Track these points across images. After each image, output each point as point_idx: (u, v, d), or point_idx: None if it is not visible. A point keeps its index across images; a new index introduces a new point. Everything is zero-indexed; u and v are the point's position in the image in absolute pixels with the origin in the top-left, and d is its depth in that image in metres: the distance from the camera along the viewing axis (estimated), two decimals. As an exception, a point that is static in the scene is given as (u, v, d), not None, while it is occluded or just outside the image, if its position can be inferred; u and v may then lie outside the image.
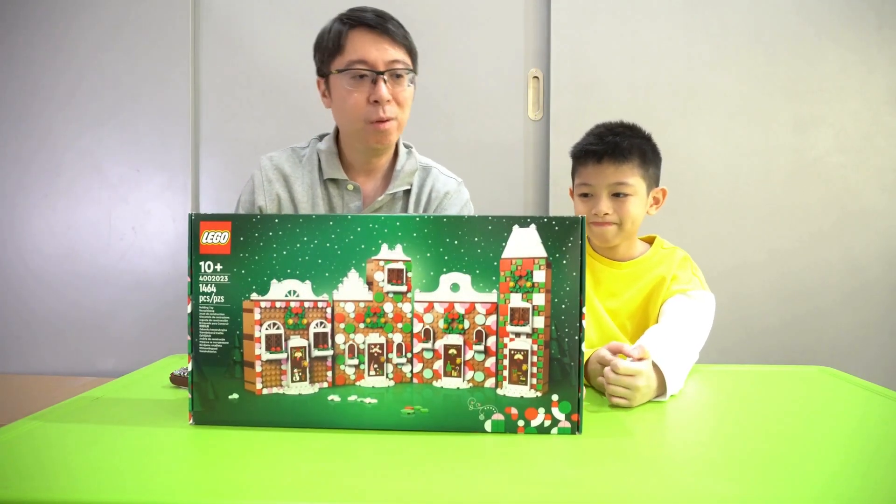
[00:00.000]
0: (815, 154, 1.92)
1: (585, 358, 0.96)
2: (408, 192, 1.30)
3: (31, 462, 0.67)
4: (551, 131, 1.92)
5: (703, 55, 1.91)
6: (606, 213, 1.14)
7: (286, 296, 0.78)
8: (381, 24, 1.16)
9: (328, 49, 1.20)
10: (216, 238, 0.79)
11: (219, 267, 0.78)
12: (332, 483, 0.62)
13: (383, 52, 1.15)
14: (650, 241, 1.25)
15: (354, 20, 1.17)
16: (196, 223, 0.79)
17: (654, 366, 0.91)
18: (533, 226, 0.76)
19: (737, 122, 1.91)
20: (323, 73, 1.23)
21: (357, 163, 1.28)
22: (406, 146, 1.33)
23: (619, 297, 1.19)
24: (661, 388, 0.92)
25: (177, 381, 0.98)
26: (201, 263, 0.78)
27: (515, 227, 0.76)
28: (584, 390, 0.90)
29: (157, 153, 1.98)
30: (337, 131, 1.29)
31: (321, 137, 1.32)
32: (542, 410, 0.76)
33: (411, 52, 1.20)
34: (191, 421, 0.79)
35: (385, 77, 1.16)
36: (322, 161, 1.27)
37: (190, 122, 1.97)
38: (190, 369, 0.79)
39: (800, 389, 1.04)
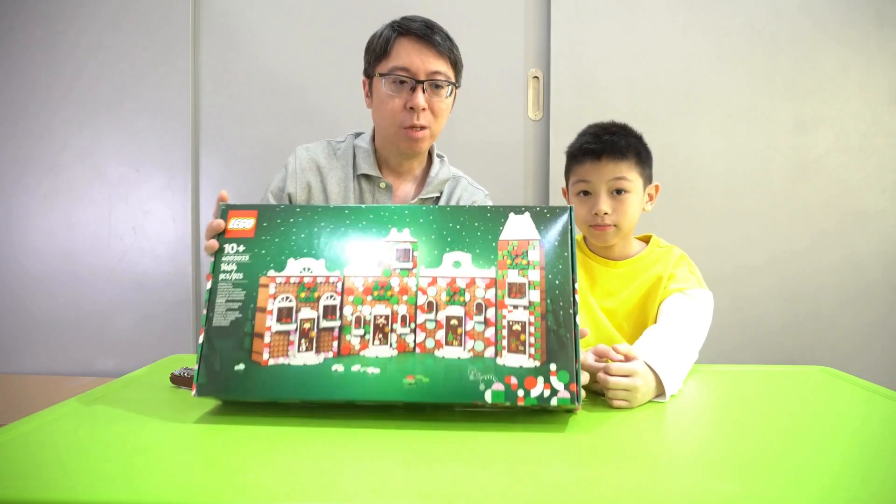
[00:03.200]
0: (815, 154, 1.92)
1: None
2: (437, 199, 1.33)
3: (31, 462, 0.67)
4: (551, 131, 1.92)
5: (703, 55, 1.91)
6: (606, 213, 1.14)
7: (301, 272, 0.83)
8: (427, 35, 1.18)
9: (375, 52, 1.23)
10: (242, 224, 0.87)
11: (241, 248, 0.85)
12: (332, 483, 0.62)
13: (426, 62, 1.18)
14: (646, 239, 1.25)
15: (403, 28, 1.20)
16: (225, 212, 0.87)
17: (651, 368, 0.91)
18: (527, 213, 0.84)
19: (737, 122, 1.91)
20: (368, 74, 1.26)
21: (391, 163, 1.31)
22: (439, 155, 1.36)
23: (615, 296, 1.19)
24: (661, 389, 0.92)
25: (177, 381, 0.98)
26: (226, 245, 0.85)
27: (511, 215, 0.84)
28: (582, 377, 0.91)
29: (157, 153, 1.98)
30: (374, 130, 1.32)
31: (357, 135, 1.35)
32: (540, 380, 0.78)
33: (455, 64, 1.23)
34: (194, 393, 0.80)
35: (424, 86, 1.19)
36: (358, 157, 1.30)
37: (190, 121, 1.97)
38: (201, 342, 0.81)
39: (800, 389, 1.04)
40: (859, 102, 1.90)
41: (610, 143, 1.14)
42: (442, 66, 1.20)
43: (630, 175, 1.14)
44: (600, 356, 0.94)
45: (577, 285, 0.80)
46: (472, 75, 1.94)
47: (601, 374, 0.89)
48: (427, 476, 0.64)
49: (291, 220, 0.86)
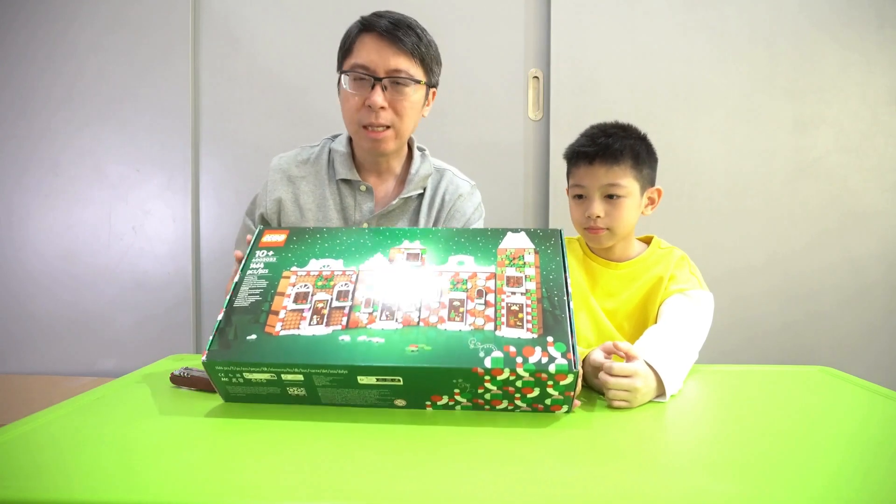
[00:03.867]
0: (815, 154, 1.92)
1: (581, 357, 0.97)
2: (421, 195, 1.29)
3: (31, 462, 0.67)
4: (551, 131, 1.92)
5: (703, 55, 1.91)
6: (599, 217, 1.14)
7: (321, 268, 0.92)
8: (390, 32, 1.14)
9: (342, 49, 1.21)
10: (274, 238, 0.97)
11: (270, 254, 0.95)
12: (332, 483, 0.62)
13: (386, 59, 1.14)
14: (647, 240, 1.25)
15: (368, 25, 1.16)
16: (261, 231, 0.99)
17: (651, 368, 0.91)
18: (523, 232, 0.95)
19: (737, 122, 1.91)
20: (338, 71, 1.23)
21: (368, 164, 1.27)
22: (420, 149, 1.32)
23: (616, 297, 1.19)
24: (661, 389, 0.92)
25: (177, 381, 0.98)
26: (258, 252, 0.95)
27: (509, 233, 0.95)
28: (581, 381, 0.93)
29: (157, 153, 1.98)
30: None
31: (334, 137, 1.32)
32: (538, 349, 0.79)
33: (424, 61, 1.18)
34: (203, 358, 0.81)
35: (385, 84, 1.15)
36: (335, 161, 1.27)
37: (190, 121, 1.97)
38: (220, 318, 0.85)
39: (800, 389, 1.04)
40: (859, 102, 1.90)
41: (603, 147, 1.13)
42: (404, 64, 1.15)
43: (623, 180, 1.13)
44: (608, 353, 0.94)
45: (570, 286, 0.87)
46: (472, 75, 1.95)
47: (602, 374, 0.90)
48: (427, 476, 0.64)
49: (318, 235, 0.97)
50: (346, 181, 1.27)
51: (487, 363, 0.78)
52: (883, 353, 1.92)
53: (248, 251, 0.95)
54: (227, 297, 0.88)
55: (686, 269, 1.18)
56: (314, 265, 0.92)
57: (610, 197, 1.14)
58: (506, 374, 0.78)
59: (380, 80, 1.15)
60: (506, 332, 0.81)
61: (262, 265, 0.93)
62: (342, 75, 1.20)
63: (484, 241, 0.93)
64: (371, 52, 1.15)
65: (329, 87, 1.94)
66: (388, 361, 0.79)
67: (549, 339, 0.80)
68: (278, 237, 0.97)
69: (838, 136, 1.91)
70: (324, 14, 1.95)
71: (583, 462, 0.69)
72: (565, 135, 1.23)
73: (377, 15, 1.18)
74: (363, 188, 1.26)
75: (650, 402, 0.91)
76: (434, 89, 1.26)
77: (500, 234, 0.94)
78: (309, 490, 0.60)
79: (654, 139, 1.21)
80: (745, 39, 1.90)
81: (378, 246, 0.94)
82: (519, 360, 0.78)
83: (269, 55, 1.96)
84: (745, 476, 0.64)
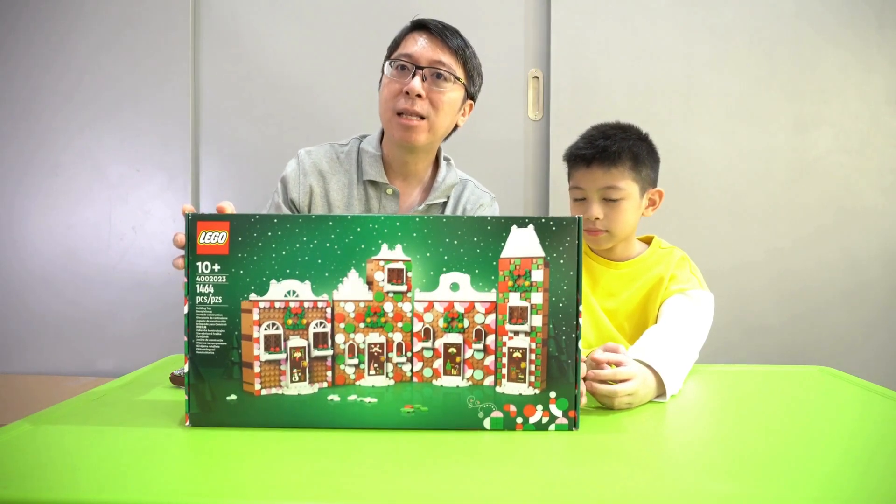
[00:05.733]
0: (815, 154, 1.92)
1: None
2: (444, 205, 1.30)
3: (31, 462, 0.67)
4: (551, 131, 1.92)
5: (703, 55, 1.91)
6: (597, 219, 1.14)
7: (285, 296, 0.77)
8: (440, 31, 1.18)
9: (390, 47, 1.23)
10: (214, 238, 0.77)
11: (217, 267, 0.77)
12: (332, 483, 0.62)
13: (429, 51, 1.17)
14: (648, 240, 1.25)
15: (419, 23, 1.20)
16: (193, 223, 0.77)
17: (651, 368, 0.91)
18: (531, 226, 0.77)
19: (737, 122, 1.91)
20: (382, 69, 1.25)
21: (396, 164, 1.27)
22: (446, 158, 1.33)
23: (616, 297, 1.19)
24: (661, 389, 0.92)
25: (177, 380, 0.98)
26: (198, 264, 0.77)
27: (514, 228, 0.77)
28: (583, 386, 0.89)
29: (157, 153, 1.98)
30: (382, 133, 1.29)
31: (362, 138, 1.32)
32: (539, 408, 0.77)
33: (467, 65, 1.21)
34: (187, 423, 0.78)
35: (425, 73, 1.17)
36: (364, 162, 1.27)
37: (190, 122, 1.97)
38: (186, 370, 0.78)
39: (800, 389, 1.04)
40: (859, 103, 1.91)
41: (601, 150, 1.13)
42: (447, 59, 1.17)
43: (621, 183, 1.13)
44: (599, 364, 0.92)
45: (581, 307, 0.77)
46: (472, 75, 1.95)
47: (602, 387, 0.87)
48: (427, 475, 0.64)
49: (269, 233, 0.77)
50: (373, 183, 1.26)
51: (486, 424, 0.77)
52: (881, 352, 1.93)
53: (185, 252, 0.78)
54: (185, 339, 0.78)
55: (686, 269, 1.18)
56: (276, 290, 0.77)
57: (609, 199, 1.14)
58: (504, 433, 0.78)
59: (421, 68, 1.17)
60: (507, 387, 0.78)
61: (210, 289, 0.77)
62: (385, 66, 1.21)
63: (483, 244, 0.77)
64: (417, 45, 1.18)
65: (328, 87, 1.95)
66: (383, 425, 0.77)
67: (552, 394, 0.78)
68: (219, 236, 0.77)
69: (838, 136, 1.91)
70: (324, 15, 1.95)
71: (583, 461, 0.69)
72: (565, 135, 1.23)
73: (430, 19, 1.21)
74: (389, 191, 1.26)
75: (650, 402, 0.91)
76: (472, 101, 1.27)
77: (502, 228, 0.77)
78: (308, 490, 0.60)
79: (654, 139, 1.21)
80: (745, 39, 1.90)
81: (349, 256, 0.77)
82: (519, 420, 0.77)
83: (268, 56, 1.96)
84: (745, 476, 0.64)
